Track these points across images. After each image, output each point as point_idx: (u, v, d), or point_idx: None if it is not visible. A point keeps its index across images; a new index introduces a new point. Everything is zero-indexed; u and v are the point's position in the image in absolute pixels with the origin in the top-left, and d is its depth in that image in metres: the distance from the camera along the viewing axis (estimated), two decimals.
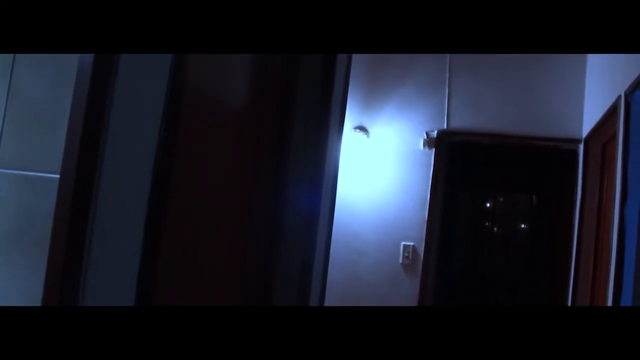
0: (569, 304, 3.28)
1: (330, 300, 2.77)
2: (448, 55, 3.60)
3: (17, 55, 0.98)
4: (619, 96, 2.36)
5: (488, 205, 4.91)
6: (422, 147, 3.59)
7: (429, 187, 3.56)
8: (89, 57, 0.92)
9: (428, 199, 3.55)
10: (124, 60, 0.98)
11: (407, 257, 3.54)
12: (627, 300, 2.06)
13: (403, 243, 3.55)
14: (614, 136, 2.48)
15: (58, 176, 0.91)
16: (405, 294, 3.51)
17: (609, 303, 2.24)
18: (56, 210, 0.90)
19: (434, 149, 3.58)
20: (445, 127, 3.59)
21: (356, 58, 3.06)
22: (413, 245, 3.55)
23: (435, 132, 3.59)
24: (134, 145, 1.02)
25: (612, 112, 2.54)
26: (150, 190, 1.03)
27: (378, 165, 3.63)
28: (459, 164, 4.01)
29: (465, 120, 3.60)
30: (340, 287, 3.52)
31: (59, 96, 0.95)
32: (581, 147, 3.37)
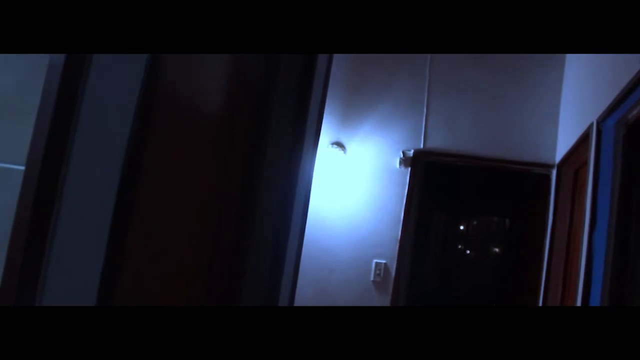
0: None
1: None
2: (427, 75, 3.64)
3: None
4: (591, 124, 2.40)
5: (461, 226, 4.94)
6: (398, 165, 3.60)
7: (403, 206, 3.56)
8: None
9: (402, 217, 3.55)
10: (97, 55, 0.96)
11: (379, 274, 3.53)
12: None
13: (375, 260, 3.55)
14: (586, 163, 2.52)
15: (23, 168, 0.90)
16: None
17: None
18: (19, 201, 0.89)
19: (409, 168, 3.60)
20: (421, 146, 3.61)
21: (335, 73, 3.06)
22: (385, 263, 3.54)
23: (412, 151, 3.60)
24: (103, 141, 1.00)
25: (584, 139, 2.58)
26: (118, 187, 1.00)
27: (353, 182, 3.63)
28: (434, 184, 4.03)
29: (441, 141, 3.62)
30: (310, 303, 3.49)
31: (28, 88, 0.93)
32: (554, 172, 3.41)
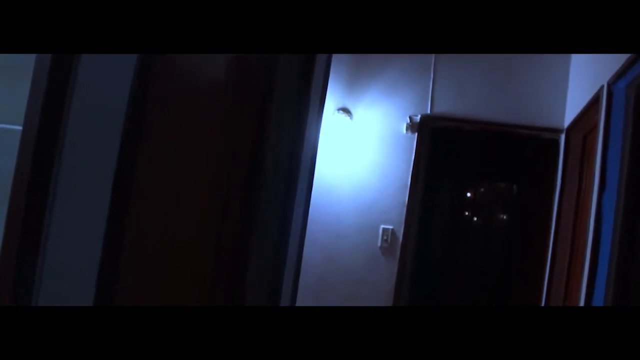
0: (544, 294, 3.31)
1: (306, 282, 2.77)
2: None
3: None
4: (602, 86, 2.36)
5: (468, 192, 4.93)
6: (404, 131, 3.57)
7: (410, 172, 3.55)
8: None
9: (409, 183, 3.54)
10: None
11: (386, 240, 3.54)
12: (600, 291, 2.08)
13: (382, 226, 3.55)
14: (595, 127, 2.48)
15: (21, 128, 0.90)
16: (383, 277, 3.52)
17: (583, 292, 2.26)
18: (17, 161, 0.88)
19: (416, 134, 3.57)
20: (428, 112, 3.58)
21: None
22: (392, 229, 3.54)
23: (419, 116, 3.57)
24: (102, 101, 0.98)
25: (594, 102, 2.54)
26: (118, 152, 0.98)
27: (360, 148, 3.61)
28: (441, 149, 4.00)
29: (449, 106, 3.58)
30: (318, 269, 3.52)
31: None
32: (562, 137, 3.38)
